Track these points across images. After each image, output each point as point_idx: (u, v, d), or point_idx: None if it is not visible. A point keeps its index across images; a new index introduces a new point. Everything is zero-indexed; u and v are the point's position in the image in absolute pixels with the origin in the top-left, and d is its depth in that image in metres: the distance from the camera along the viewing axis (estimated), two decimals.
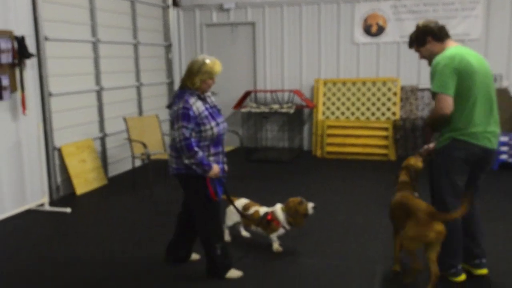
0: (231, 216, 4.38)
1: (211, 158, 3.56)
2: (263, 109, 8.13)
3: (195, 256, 4.07)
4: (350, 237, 4.54)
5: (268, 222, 4.12)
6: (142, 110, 7.76)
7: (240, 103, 8.38)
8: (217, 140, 3.59)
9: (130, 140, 6.32)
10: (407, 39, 7.76)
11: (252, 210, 4.25)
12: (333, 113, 8.22)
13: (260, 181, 6.67)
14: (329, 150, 8.01)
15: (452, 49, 3.43)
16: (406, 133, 7.77)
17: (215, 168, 3.54)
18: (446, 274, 3.53)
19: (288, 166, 7.51)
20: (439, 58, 3.39)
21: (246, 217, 4.21)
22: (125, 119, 6.38)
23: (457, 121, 3.36)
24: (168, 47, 8.65)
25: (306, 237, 4.52)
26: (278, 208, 4.16)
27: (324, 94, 8.27)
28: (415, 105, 7.93)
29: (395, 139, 7.74)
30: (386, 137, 7.78)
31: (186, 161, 3.47)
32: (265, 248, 4.27)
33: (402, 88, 7.95)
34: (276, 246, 4.20)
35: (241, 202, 4.37)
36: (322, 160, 7.91)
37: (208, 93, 3.67)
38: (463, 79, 3.30)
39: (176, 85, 8.91)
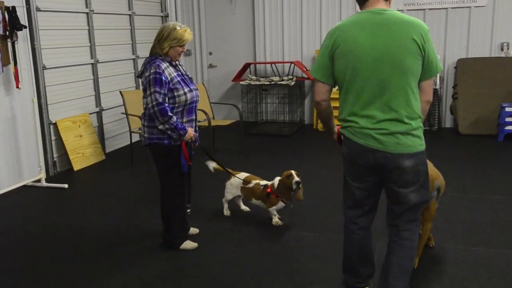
0: (231, 190, 4.33)
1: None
2: (263, 81, 7.95)
3: (194, 230, 4.04)
4: None
5: (268, 195, 4.06)
6: (139, 84, 7.59)
7: (239, 76, 8.19)
8: (190, 107, 3.57)
9: (127, 114, 6.18)
10: (411, 7, 7.64)
11: (252, 183, 4.19)
12: (334, 85, 8.02)
13: (260, 155, 6.55)
14: None
15: (353, 15, 2.61)
16: None
17: (190, 131, 3.54)
18: None
19: (289, 140, 7.39)
20: None
21: (247, 189, 4.19)
22: (121, 93, 6.22)
23: (339, 111, 2.68)
24: (165, 18, 8.41)
25: (308, 212, 4.44)
26: (277, 181, 4.08)
27: None
28: None
29: None
30: None
31: (161, 127, 3.43)
32: (265, 222, 4.20)
33: None
34: (275, 220, 4.14)
35: (241, 175, 4.29)
36: (322, 133, 7.77)
37: (179, 62, 3.66)
38: (337, 58, 2.54)
39: None
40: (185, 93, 3.49)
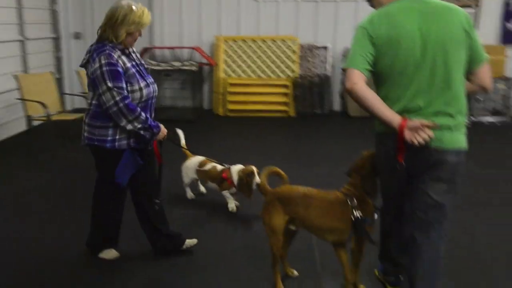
0: (188, 173, 4.32)
1: None
2: (164, 66, 7.83)
3: (191, 242, 3.46)
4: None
5: (222, 179, 4.06)
6: (28, 67, 6.99)
7: None
8: (145, 104, 3.01)
9: (23, 100, 5.70)
10: None
11: (208, 166, 4.19)
12: (234, 71, 8.20)
13: (164, 141, 6.46)
14: (231, 108, 8.02)
15: (390, 5, 2.47)
16: (304, 91, 8.05)
17: (164, 129, 3.10)
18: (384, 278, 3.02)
19: (192, 125, 7.37)
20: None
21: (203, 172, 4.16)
22: (16, 77, 5.72)
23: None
24: None
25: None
26: (235, 169, 4.02)
27: (225, 52, 8.19)
28: (312, 63, 8.23)
29: (294, 96, 7.99)
30: (286, 94, 8.00)
31: (129, 126, 2.89)
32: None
33: (301, 46, 8.18)
34: (231, 205, 4.11)
35: (197, 159, 4.29)
36: (225, 118, 7.92)
37: (133, 49, 3.07)
38: (382, 48, 2.41)
39: (64, 41, 8.18)
40: (140, 89, 2.95)
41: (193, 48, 7.99)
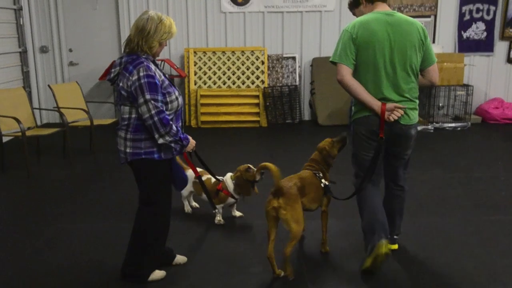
0: (187, 186, 4.22)
1: None
2: None
3: (181, 259, 3.46)
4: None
5: (217, 191, 4.04)
6: None
7: (106, 74, 7.88)
8: (178, 113, 3.08)
9: None
10: (271, 9, 8.25)
11: (204, 178, 4.06)
12: (205, 83, 8.29)
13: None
14: (204, 119, 8.09)
15: (367, 15, 3.23)
16: (274, 100, 8.22)
17: (192, 141, 3.12)
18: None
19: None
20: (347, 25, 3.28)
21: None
22: None
23: None
24: (18, 12, 7.70)
25: None
26: (227, 177, 4.08)
27: (195, 64, 8.26)
28: (280, 73, 8.41)
29: (265, 106, 8.14)
30: (257, 105, 8.15)
31: (161, 140, 2.90)
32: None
33: (269, 57, 8.35)
34: (218, 218, 4.13)
35: (191, 171, 4.20)
36: (198, 129, 7.97)
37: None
38: (360, 46, 3.15)
39: (31, 55, 8.05)
40: (177, 98, 3.00)
41: (163, 60, 8.02)
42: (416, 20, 3.24)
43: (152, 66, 2.93)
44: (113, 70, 2.98)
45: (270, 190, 3.23)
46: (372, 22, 3.16)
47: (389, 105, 3.14)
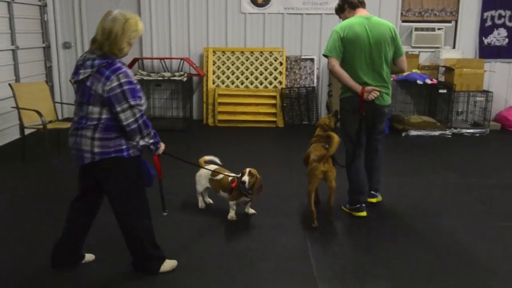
0: (200, 181, 4.37)
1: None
2: (154, 77, 7.94)
3: (89, 257, 3.46)
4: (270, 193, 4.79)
5: (232, 189, 4.11)
6: (19, 77, 7.03)
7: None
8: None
9: (18, 108, 5.75)
10: (291, 11, 8.30)
11: (221, 175, 4.19)
12: (223, 82, 8.37)
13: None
14: (221, 118, 8.17)
15: (351, 19, 4.14)
16: (291, 101, 8.26)
17: (162, 143, 3.21)
18: (351, 209, 4.33)
19: (183, 134, 7.51)
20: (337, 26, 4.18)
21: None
22: (11, 86, 5.77)
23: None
24: (43, 8, 7.90)
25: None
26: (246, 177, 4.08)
27: (214, 63, 8.35)
28: (298, 74, 8.44)
29: (282, 107, 8.18)
30: (274, 105, 8.19)
31: (141, 142, 3.00)
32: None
33: (287, 58, 8.40)
34: (231, 214, 4.19)
35: (211, 167, 4.34)
36: (215, 128, 8.06)
37: None
38: (347, 43, 4.06)
39: (54, 50, 8.23)
40: (145, 101, 3.06)
41: (182, 59, 8.13)
42: (388, 22, 4.19)
43: (129, 71, 2.92)
44: (82, 71, 2.91)
45: (313, 158, 4.05)
46: (355, 24, 4.09)
47: (368, 88, 4.08)
